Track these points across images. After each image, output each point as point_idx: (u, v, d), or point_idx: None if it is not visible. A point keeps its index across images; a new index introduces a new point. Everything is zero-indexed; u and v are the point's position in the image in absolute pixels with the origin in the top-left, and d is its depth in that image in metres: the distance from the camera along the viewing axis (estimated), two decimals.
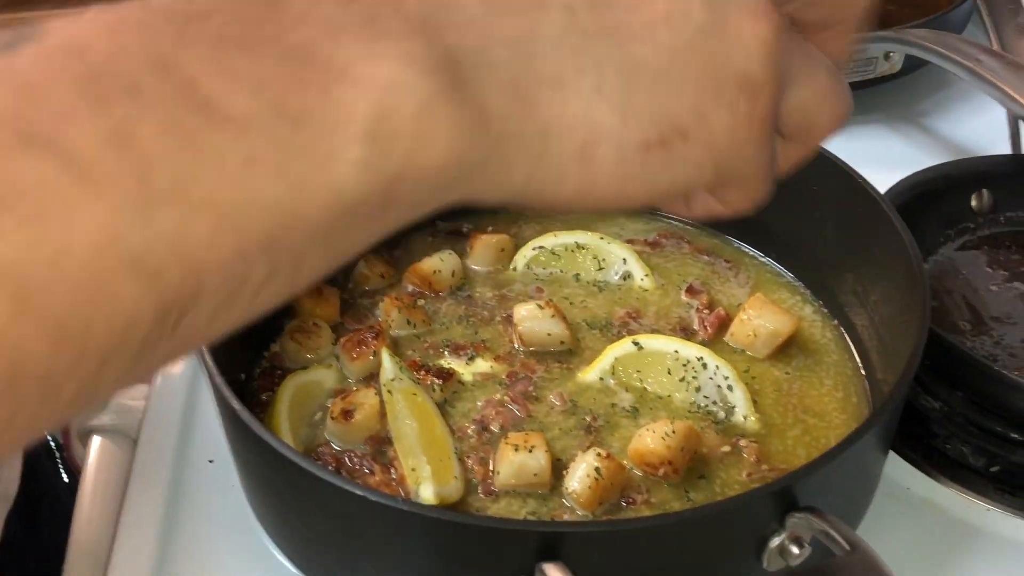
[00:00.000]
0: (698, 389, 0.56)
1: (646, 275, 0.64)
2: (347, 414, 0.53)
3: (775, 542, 0.40)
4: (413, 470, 0.51)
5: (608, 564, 0.39)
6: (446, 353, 0.60)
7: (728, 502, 0.39)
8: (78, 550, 0.62)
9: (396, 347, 0.59)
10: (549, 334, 0.59)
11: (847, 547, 0.36)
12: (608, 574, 0.39)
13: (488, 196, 0.31)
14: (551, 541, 0.37)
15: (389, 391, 0.55)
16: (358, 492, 0.39)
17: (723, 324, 0.61)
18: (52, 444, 0.83)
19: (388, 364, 0.56)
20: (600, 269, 0.65)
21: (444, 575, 0.41)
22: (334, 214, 0.27)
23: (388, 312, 0.61)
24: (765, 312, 0.59)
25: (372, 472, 0.52)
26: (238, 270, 0.26)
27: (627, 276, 0.65)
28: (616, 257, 0.65)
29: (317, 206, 0.27)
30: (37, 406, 0.25)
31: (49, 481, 0.78)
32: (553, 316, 0.59)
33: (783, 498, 0.39)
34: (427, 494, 0.49)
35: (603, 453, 0.51)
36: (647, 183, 0.33)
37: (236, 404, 0.43)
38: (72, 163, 0.24)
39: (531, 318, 0.59)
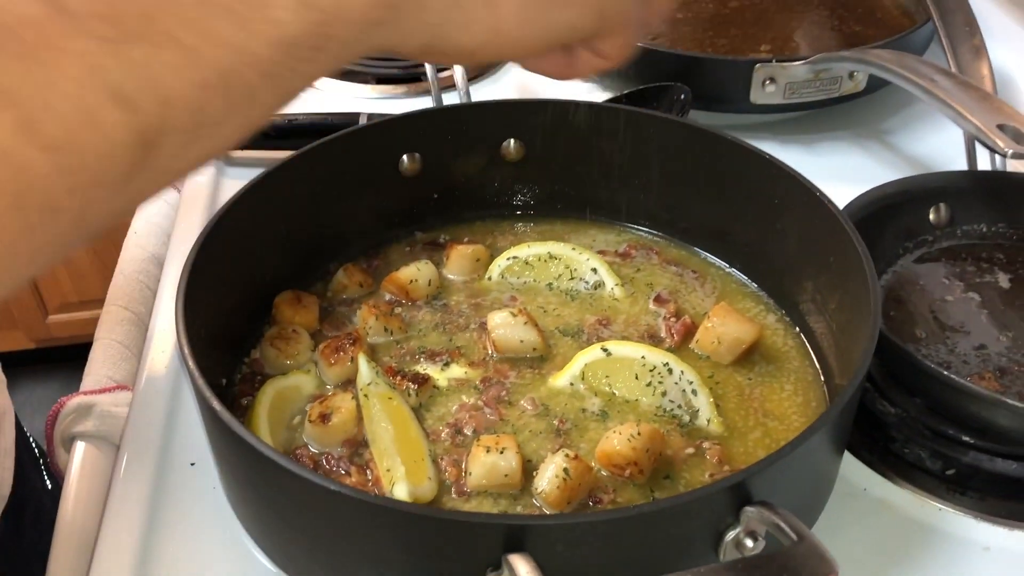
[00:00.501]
0: (664, 394, 0.59)
1: (616, 284, 0.67)
2: (324, 417, 0.55)
3: (730, 535, 0.43)
4: (388, 470, 0.53)
5: (572, 556, 0.41)
6: (422, 359, 0.62)
7: (685, 496, 0.41)
8: (61, 553, 0.63)
9: (373, 353, 0.61)
10: (522, 341, 0.61)
11: (795, 538, 0.38)
12: (572, 566, 0.41)
13: (408, 42, 0.37)
14: (517, 534, 0.39)
15: (366, 395, 0.57)
16: (333, 488, 0.41)
17: (689, 332, 0.63)
18: (36, 451, 0.85)
19: (365, 369, 0.58)
20: (572, 279, 0.67)
21: (417, 569, 0.42)
22: (278, 51, 0.32)
23: (366, 319, 0.63)
24: (729, 320, 0.62)
25: (348, 473, 0.54)
26: (201, 101, 0.31)
27: (598, 285, 0.67)
28: (587, 267, 0.67)
29: (262, 42, 0.32)
30: (39, 227, 0.29)
31: (33, 486, 0.80)
32: (526, 323, 0.62)
33: (738, 492, 0.42)
34: (401, 493, 0.51)
35: (571, 454, 0.53)
36: (545, 27, 0.39)
37: (217, 405, 0.45)
38: (56, 6, 0.29)
39: (504, 325, 0.61)
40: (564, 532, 0.40)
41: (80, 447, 0.70)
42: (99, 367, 0.77)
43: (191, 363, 0.47)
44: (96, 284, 2.02)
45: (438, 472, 0.54)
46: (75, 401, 0.72)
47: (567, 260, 0.68)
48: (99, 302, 2.16)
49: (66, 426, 0.72)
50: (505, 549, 0.40)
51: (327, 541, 0.45)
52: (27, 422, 0.84)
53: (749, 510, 0.41)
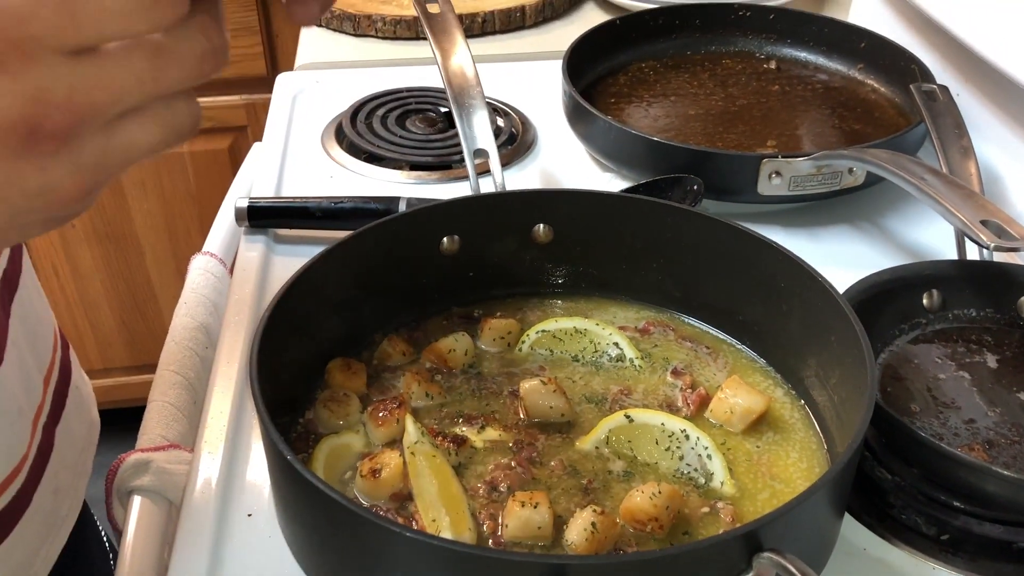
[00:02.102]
0: (681, 458, 0.64)
1: (636, 357, 0.73)
2: (375, 472, 0.61)
3: None
4: (433, 520, 0.58)
5: None
6: (460, 422, 0.68)
7: (705, 541, 0.47)
8: None
9: (416, 416, 0.67)
10: (551, 407, 0.67)
11: None
12: None
13: None
14: (558, 571, 0.45)
15: (412, 453, 0.63)
16: (394, 528, 0.47)
17: (703, 402, 0.69)
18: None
19: (412, 429, 0.64)
20: (596, 352, 0.74)
21: None
22: None
23: (409, 385, 0.69)
24: (740, 391, 0.68)
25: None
26: None
27: (619, 358, 0.73)
28: (609, 341, 0.74)
29: None
30: None
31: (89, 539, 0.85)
32: (555, 391, 0.68)
33: (751, 540, 0.47)
34: None
35: (599, 510, 0.58)
36: None
37: (290, 456, 0.51)
38: None
39: (535, 392, 0.68)
40: (599, 571, 0.46)
41: (137, 501, 0.76)
42: (153, 427, 0.83)
43: (266, 418, 0.53)
44: (122, 352, 2.09)
45: (477, 524, 0.60)
46: (133, 457, 0.79)
47: (591, 335, 0.74)
48: (124, 369, 2.22)
49: (124, 480, 0.78)
50: None
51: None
52: None
53: (762, 556, 0.47)
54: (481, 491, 0.62)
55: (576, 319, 0.76)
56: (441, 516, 0.58)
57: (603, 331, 0.75)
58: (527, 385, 0.68)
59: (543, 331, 0.75)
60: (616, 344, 0.74)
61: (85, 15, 0.35)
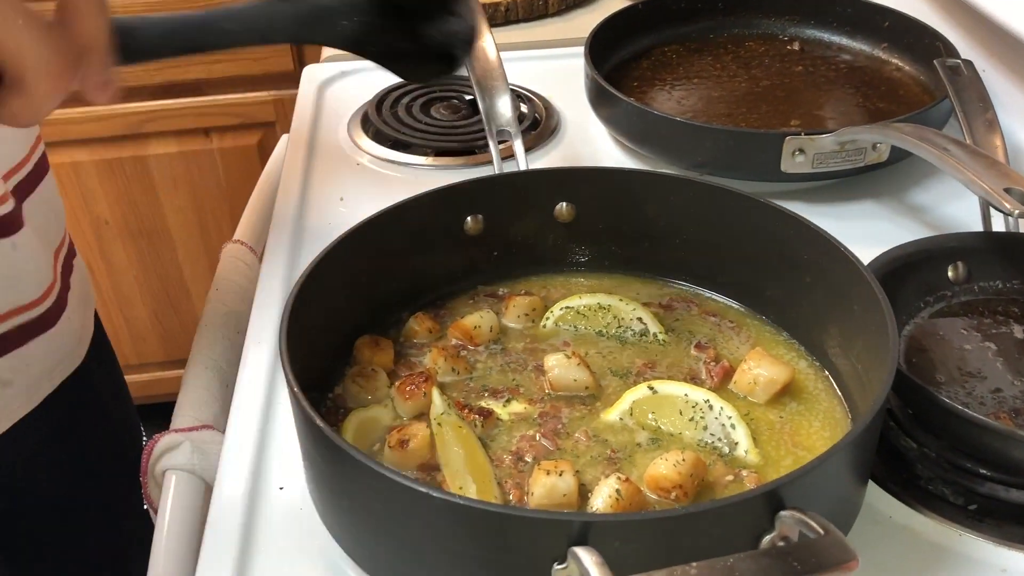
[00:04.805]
0: (705, 428, 0.65)
1: (660, 332, 0.74)
2: (403, 443, 0.62)
3: (767, 539, 0.49)
4: (460, 488, 0.59)
5: (625, 551, 0.47)
6: (486, 395, 0.69)
7: (729, 499, 0.47)
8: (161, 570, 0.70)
9: (443, 390, 0.68)
10: (575, 380, 0.68)
11: (822, 532, 0.45)
12: (623, 560, 0.47)
13: None
14: (582, 529, 0.46)
15: (439, 424, 0.64)
16: (422, 489, 0.48)
17: (727, 374, 0.70)
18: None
19: (438, 401, 0.65)
20: (620, 327, 0.75)
21: (491, 562, 0.49)
22: None
23: (435, 360, 0.70)
24: (764, 363, 0.68)
25: None
26: None
27: (643, 333, 0.74)
28: (633, 316, 0.75)
29: None
30: None
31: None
32: (579, 365, 0.68)
33: (772, 499, 0.48)
34: None
35: (623, 477, 0.59)
36: None
37: (322, 424, 0.52)
38: None
39: (560, 365, 0.68)
40: (622, 528, 0.46)
41: (172, 478, 0.77)
42: (187, 409, 0.85)
43: (296, 389, 0.55)
44: (156, 347, 2.12)
45: (503, 492, 0.61)
46: (167, 437, 0.80)
47: (615, 310, 0.75)
48: (158, 364, 2.25)
49: (158, 459, 0.80)
50: (569, 543, 0.46)
51: (412, 538, 0.51)
52: None
53: (783, 514, 0.48)
54: (507, 461, 0.63)
55: (600, 295, 0.76)
56: (468, 484, 0.59)
57: (627, 306, 0.75)
58: (552, 359, 0.69)
59: (567, 307, 0.76)
60: (640, 319, 0.74)
61: None
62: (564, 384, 0.68)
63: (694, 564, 0.42)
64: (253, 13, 0.61)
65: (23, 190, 0.83)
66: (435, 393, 0.66)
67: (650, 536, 0.47)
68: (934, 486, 0.66)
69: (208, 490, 0.75)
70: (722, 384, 0.70)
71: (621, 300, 0.76)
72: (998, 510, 0.64)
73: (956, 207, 0.95)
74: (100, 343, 1.00)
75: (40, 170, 0.87)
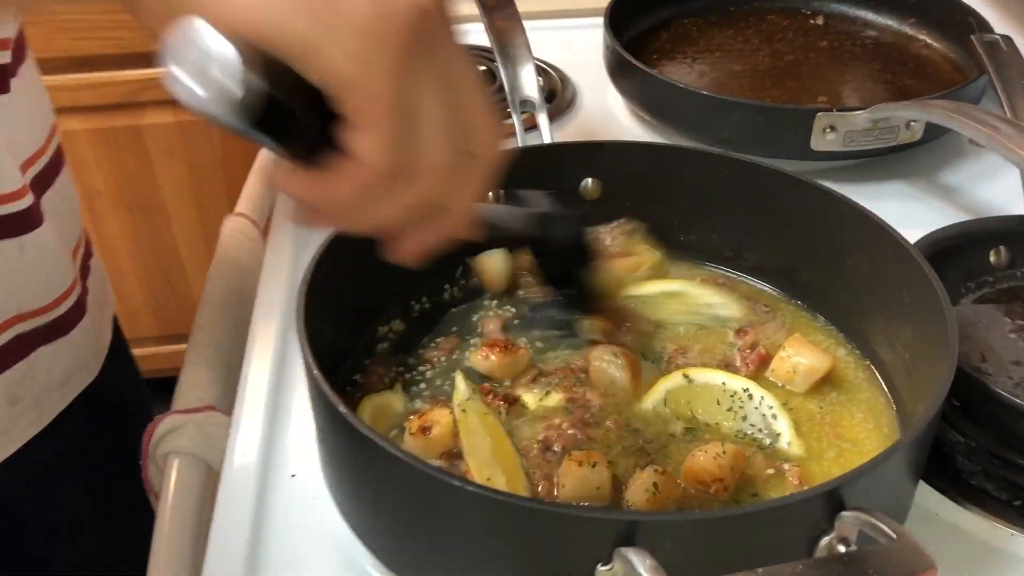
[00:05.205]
0: (744, 418, 0.62)
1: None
2: (425, 430, 0.59)
3: (824, 540, 0.45)
4: (488, 479, 0.56)
5: (675, 553, 0.43)
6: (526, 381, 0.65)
7: (788, 498, 0.44)
8: (163, 560, 0.66)
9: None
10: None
11: (893, 536, 0.41)
12: (674, 563, 0.44)
13: None
14: (630, 528, 0.42)
15: (463, 410, 0.60)
16: (455, 483, 0.44)
17: (763, 361, 0.66)
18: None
19: (462, 386, 0.62)
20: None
21: (529, 563, 0.45)
22: None
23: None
24: (804, 350, 0.65)
25: None
26: None
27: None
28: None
29: None
30: None
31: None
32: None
33: (832, 499, 0.44)
34: None
35: (660, 469, 0.56)
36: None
37: (343, 408, 0.48)
38: None
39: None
40: (674, 528, 0.43)
41: (175, 461, 0.73)
42: (189, 390, 0.81)
43: (315, 371, 0.51)
44: (149, 323, 2.08)
45: (532, 484, 0.57)
46: (170, 419, 0.76)
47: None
48: (152, 340, 2.21)
49: (160, 441, 0.76)
50: (616, 543, 0.43)
51: (439, 534, 0.48)
52: None
53: (845, 515, 0.44)
54: (534, 451, 0.60)
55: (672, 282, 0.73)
56: (496, 474, 0.56)
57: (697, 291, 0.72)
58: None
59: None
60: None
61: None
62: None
63: (760, 570, 0.39)
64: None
65: (41, 183, 0.77)
66: (459, 378, 0.62)
67: (704, 537, 0.44)
68: (977, 480, 0.63)
69: (212, 474, 0.71)
70: (758, 372, 0.66)
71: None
72: None
73: (988, 188, 0.91)
74: (119, 351, 0.93)
75: (57, 161, 0.81)
